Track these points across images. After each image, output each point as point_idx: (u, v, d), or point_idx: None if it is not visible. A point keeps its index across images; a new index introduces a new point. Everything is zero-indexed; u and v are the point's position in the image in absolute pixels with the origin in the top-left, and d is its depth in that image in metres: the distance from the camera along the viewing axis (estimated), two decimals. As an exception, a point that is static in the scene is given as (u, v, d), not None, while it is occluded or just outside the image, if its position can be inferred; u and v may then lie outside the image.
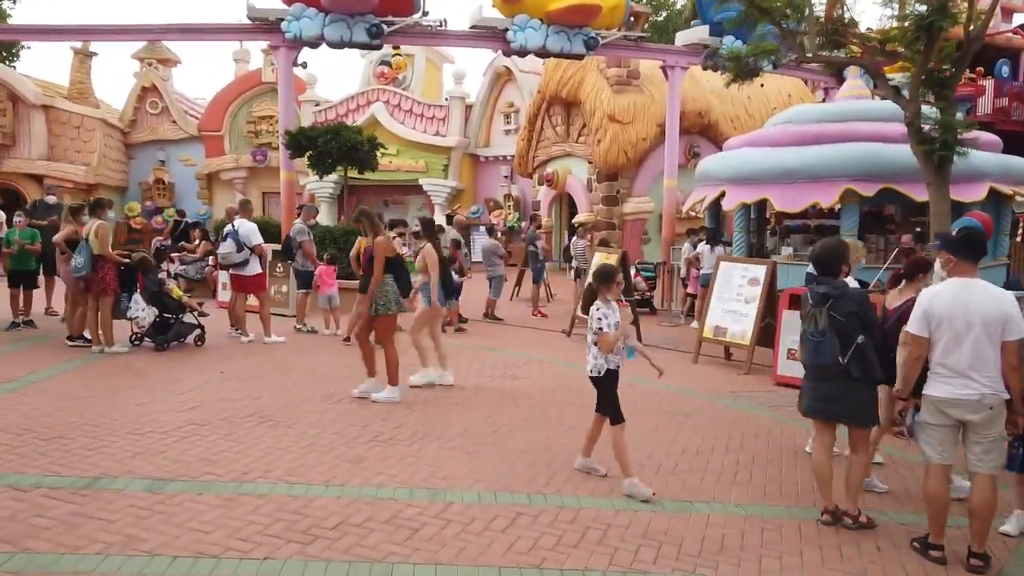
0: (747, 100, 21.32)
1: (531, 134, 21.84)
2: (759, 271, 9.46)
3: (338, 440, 5.68)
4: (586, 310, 5.19)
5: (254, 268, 9.50)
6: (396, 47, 24.89)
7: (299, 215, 11.11)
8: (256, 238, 9.45)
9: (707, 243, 12.59)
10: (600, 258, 11.33)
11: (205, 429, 5.78)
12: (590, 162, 19.85)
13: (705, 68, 16.64)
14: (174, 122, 26.56)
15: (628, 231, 19.53)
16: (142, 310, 8.57)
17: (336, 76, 64.19)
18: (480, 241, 22.03)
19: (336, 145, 12.94)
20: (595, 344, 5.07)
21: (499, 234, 13.28)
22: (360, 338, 7.33)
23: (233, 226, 9.59)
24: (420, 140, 24.30)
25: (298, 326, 10.77)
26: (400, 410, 6.66)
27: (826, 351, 4.37)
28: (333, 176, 25.41)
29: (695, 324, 12.70)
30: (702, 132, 20.19)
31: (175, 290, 8.96)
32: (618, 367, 5.14)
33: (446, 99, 24.76)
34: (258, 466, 5.02)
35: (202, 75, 64.86)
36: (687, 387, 8.18)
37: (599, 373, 5.10)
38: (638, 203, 19.57)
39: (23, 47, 32.16)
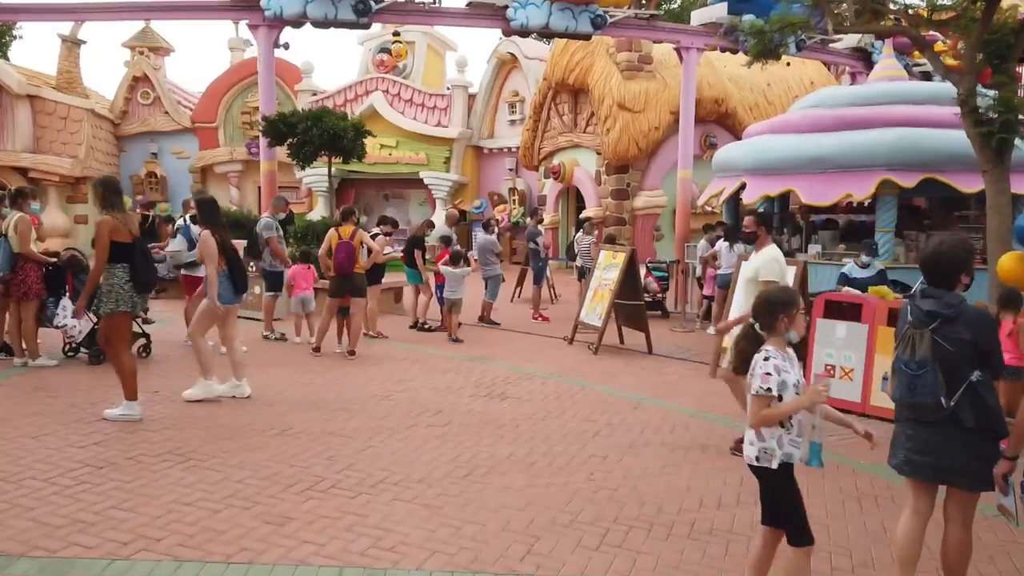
0: (767, 87, 20.03)
1: (537, 124, 20.63)
2: (789, 272, 8.20)
3: (266, 489, 4.51)
4: (744, 365, 3.21)
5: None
6: (396, 34, 23.71)
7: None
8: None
9: (725, 240, 11.35)
10: (606, 257, 10.12)
11: (100, 474, 4.63)
12: (599, 153, 18.61)
13: (723, 50, 15.37)
14: (166, 113, 25.53)
15: (639, 227, 18.29)
16: (71, 317, 7.43)
17: (335, 65, 63.06)
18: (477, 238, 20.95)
19: (318, 132, 11.79)
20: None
21: (495, 230, 12.02)
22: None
23: (185, 220, 8.45)
24: (421, 131, 23.14)
25: (266, 333, 9.63)
26: (354, 445, 5.49)
27: (926, 388, 3.14)
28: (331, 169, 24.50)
29: (712, 330, 11.48)
30: (719, 121, 18.90)
31: (114, 294, 7.82)
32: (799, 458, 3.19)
33: (448, 88, 23.59)
34: (148, 531, 3.86)
35: (197, 65, 63.86)
36: (704, 408, 6.97)
37: (769, 463, 3.13)
38: (650, 197, 18.32)
39: (14, 37, 31.27)
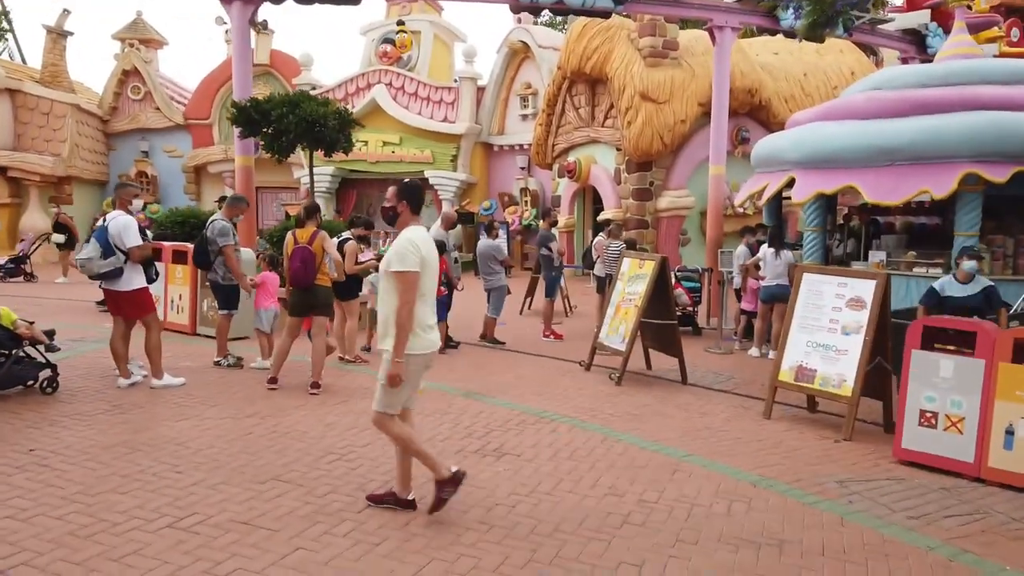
0: (803, 77, 18.28)
1: (550, 118, 18.93)
2: (864, 288, 6.46)
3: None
4: None
5: (132, 281, 6.72)
6: (400, 23, 22.11)
7: (220, 207, 8.28)
8: (132, 238, 6.67)
9: (769, 246, 9.62)
10: (631, 267, 8.39)
11: None
12: (618, 149, 16.89)
13: (760, 31, 13.62)
14: (158, 109, 24.10)
15: (663, 230, 16.55)
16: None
17: (336, 58, 61.64)
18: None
19: (294, 120, 10.14)
20: None
21: (498, 233, 10.31)
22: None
23: (104, 221, 6.81)
24: (426, 127, 21.52)
25: (217, 359, 7.97)
26: (269, 553, 3.81)
27: None
28: (330, 168, 22.96)
29: (754, 351, 9.74)
30: (751, 113, 17.16)
31: (5, 314, 6.19)
32: None
33: (456, 80, 21.96)
34: None
35: (191, 58, 62.57)
36: (763, 470, 5.23)
37: None
38: (675, 197, 16.57)
39: (5, 32, 30.04)
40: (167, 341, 9.23)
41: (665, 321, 8.03)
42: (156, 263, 7.34)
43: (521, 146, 21.40)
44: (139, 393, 6.68)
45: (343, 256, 8.26)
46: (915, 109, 8.96)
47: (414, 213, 4.25)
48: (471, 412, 6.51)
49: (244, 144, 11.57)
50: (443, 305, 9.30)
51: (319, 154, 11.90)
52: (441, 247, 9.22)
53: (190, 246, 9.81)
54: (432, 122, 21.60)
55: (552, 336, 10.57)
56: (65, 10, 22.76)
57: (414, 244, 4.03)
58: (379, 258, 9.99)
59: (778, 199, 11.57)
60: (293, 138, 10.56)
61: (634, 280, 8.24)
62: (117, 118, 24.31)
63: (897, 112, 9.06)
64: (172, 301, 9.91)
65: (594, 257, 11.37)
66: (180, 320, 9.81)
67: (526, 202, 21.29)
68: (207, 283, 8.49)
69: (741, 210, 16.70)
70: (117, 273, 6.67)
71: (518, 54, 21.21)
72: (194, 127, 24.16)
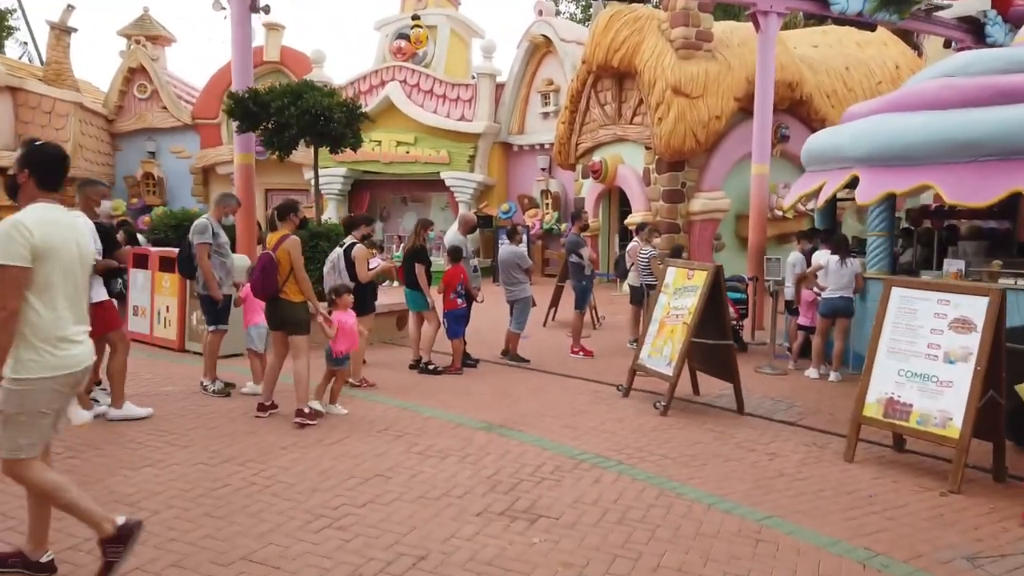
0: (845, 71, 17.08)
1: (574, 116, 17.82)
2: (974, 306, 5.31)
3: None
4: None
5: (94, 293, 5.70)
6: (415, 17, 21.16)
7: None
8: (96, 244, 5.67)
9: (833, 252, 8.50)
10: (677, 277, 7.28)
11: None
12: (648, 148, 15.77)
13: (808, 17, 12.47)
14: (164, 108, 23.24)
15: (696, 235, 15.39)
16: None
17: (349, 55, 60.69)
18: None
19: (296, 112, 9.12)
20: None
21: (523, 239, 9.23)
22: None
23: None
24: (442, 126, 20.49)
25: (204, 382, 6.92)
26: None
27: None
28: (342, 169, 21.98)
29: (812, 372, 8.59)
30: (791, 110, 15.98)
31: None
32: None
33: (473, 77, 20.92)
34: None
35: (200, 56, 61.49)
36: (867, 540, 4.10)
37: None
38: (710, 199, 15.41)
39: (11, 30, 29.40)
40: (151, 359, 8.25)
41: (719, 341, 6.90)
42: (122, 276, 6.34)
43: (542, 145, 20.32)
44: (99, 429, 5.64)
45: (353, 264, 7.23)
46: (1000, 97, 7.80)
47: (43, 187, 3.14)
48: (495, 453, 5.42)
49: (243, 140, 10.58)
50: (461, 319, 8.25)
51: (331, 156, 10.92)
52: (457, 254, 8.20)
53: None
54: (448, 121, 20.57)
55: (582, 353, 9.47)
56: (69, 5, 21.97)
57: (21, 228, 2.96)
58: (397, 265, 8.97)
59: (832, 201, 10.46)
60: (296, 133, 9.54)
61: (681, 293, 7.13)
62: (123, 118, 23.49)
63: (978, 101, 7.91)
64: (159, 313, 8.90)
65: (627, 264, 10.26)
66: (167, 335, 8.81)
67: (547, 205, 20.20)
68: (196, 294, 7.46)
69: (779, 213, 15.56)
70: None
71: (539, 49, 20.15)
72: (202, 127, 23.30)
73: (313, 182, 12.18)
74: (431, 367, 8.15)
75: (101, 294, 5.76)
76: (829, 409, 7.16)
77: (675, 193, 15.39)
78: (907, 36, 20.79)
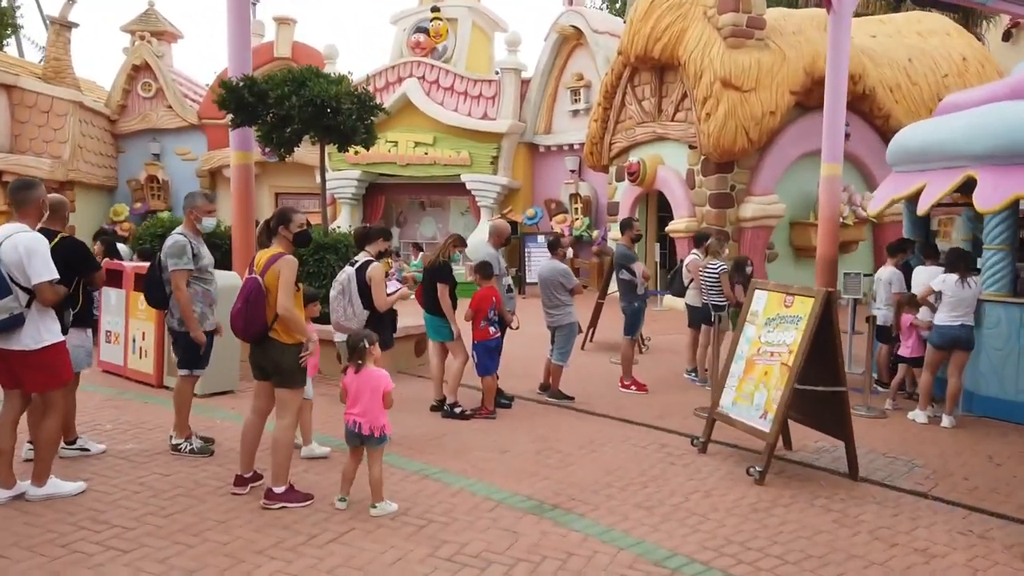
0: (908, 63, 15.47)
1: (608, 113, 16.33)
2: None
3: None
4: None
5: (40, 334, 4.30)
6: (435, 9, 19.77)
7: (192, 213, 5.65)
8: (40, 267, 4.26)
9: (949, 269, 6.99)
10: (769, 304, 5.76)
11: None
12: (692, 147, 14.25)
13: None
14: (170, 107, 21.95)
15: (747, 243, 13.84)
16: None
17: (365, 51, 59.21)
18: (539, 260, 16.30)
19: (298, 103, 7.69)
20: None
21: (566, 252, 7.73)
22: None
23: None
24: (463, 125, 19.06)
25: (176, 442, 5.42)
26: None
27: None
28: (355, 172, 20.61)
29: (919, 415, 7.04)
30: (852, 104, 14.31)
31: None
32: None
33: (497, 72, 19.48)
34: None
35: (207, 52, 59.98)
36: None
37: None
38: (763, 204, 13.86)
39: (17, 28, 28.35)
40: (120, 399, 6.85)
41: (831, 388, 5.37)
42: (76, 304, 4.93)
43: (571, 146, 18.83)
44: (15, 516, 4.20)
45: (370, 285, 5.80)
46: None
47: None
48: (552, 555, 3.93)
49: (240, 136, 9.21)
50: (494, 351, 6.78)
51: (343, 155, 9.50)
52: (488, 270, 6.72)
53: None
54: (470, 119, 19.14)
55: (634, 387, 7.98)
56: (70, -1, 20.77)
57: None
58: (415, 280, 7.51)
59: (912, 206, 8.94)
60: (299, 127, 8.12)
61: (777, 324, 5.61)
62: (126, 117, 22.24)
63: None
64: (133, 341, 7.49)
65: (685, 281, 8.75)
66: (143, 367, 7.38)
67: (576, 210, 18.69)
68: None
69: (840, 219, 13.98)
70: (14, 323, 4.23)
71: (569, 41, 18.66)
72: (209, 127, 21.97)
73: (321, 184, 10.75)
74: (457, 409, 6.68)
75: (54, 333, 4.37)
76: (961, 471, 5.65)
77: (723, 197, 13.85)
78: (969, 26, 19.15)
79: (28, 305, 4.30)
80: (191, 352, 5.38)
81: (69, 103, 19.82)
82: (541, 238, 16.91)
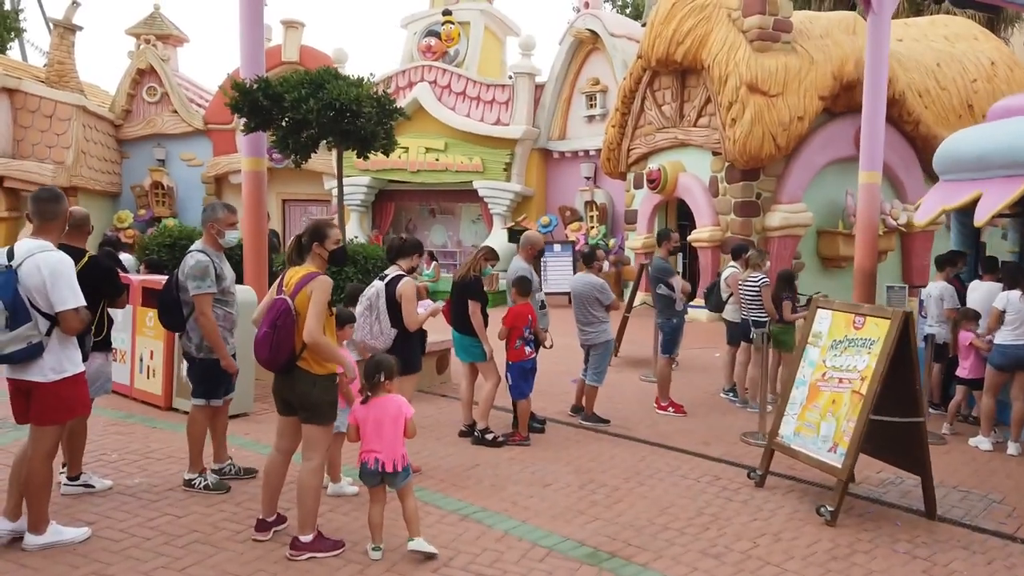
0: (936, 68, 15.05)
1: (626, 118, 15.89)
2: None
3: None
4: None
5: (61, 364, 3.84)
6: (447, 12, 19.37)
7: (215, 221, 5.12)
8: (65, 292, 3.80)
9: (1011, 286, 6.53)
10: (835, 325, 5.29)
11: None
12: (716, 154, 13.81)
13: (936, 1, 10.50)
14: (175, 112, 21.53)
15: (774, 253, 13.31)
16: None
17: (374, 55, 58.81)
18: (554, 270, 15.86)
19: (316, 106, 7.24)
20: None
21: (602, 265, 7.24)
22: None
23: (9, 257, 3.91)
24: (475, 130, 18.63)
25: (190, 476, 4.89)
26: None
27: None
28: (365, 178, 20.14)
29: (983, 442, 6.55)
30: (880, 110, 13.92)
31: None
32: None
33: (510, 76, 19.04)
34: None
35: (214, 56, 59.53)
36: None
37: None
38: (790, 212, 13.41)
39: (20, 31, 28.00)
40: (126, 423, 6.39)
41: (909, 419, 4.89)
42: (94, 332, 4.50)
43: (586, 152, 18.38)
44: (12, 571, 3.73)
45: (399, 302, 5.35)
46: None
47: None
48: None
49: (252, 141, 8.71)
50: (529, 373, 6.32)
51: (357, 161, 9.05)
52: (525, 286, 6.26)
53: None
54: (482, 125, 18.70)
55: (671, 408, 7.50)
56: (74, 2, 20.40)
57: None
58: (426, 289, 7.07)
59: (963, 217, 8.51)
60: (316, 132, 7.66)
61: (845, 347, 5.13)
62: (130, 122, 21.81)
63: None
64: (140, 360, 7.02)
65: (723, 295, 8.28)
66: (151, 388, 6.91)
67: (592, 217, 18.23)
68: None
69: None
70: (32, 353, 3.77)
71: (584, 45, 18.22)
72: (215, 132, 21.58)
73: (336, 192, 10.27)
74: (489, 435, 6.20)
75: (74, 363, 3.93)
76: (1049, 507, 5.16)
77: (749, 205, 13.39)
78: (994, 29, 18.71)
79: (49, 332, 3.84)
80: (209, 380, 4.89)
81: (72, 107, 19.41)
82: (558, 247, 16.44)
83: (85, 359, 4.17)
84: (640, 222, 15.71)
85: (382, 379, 3.95)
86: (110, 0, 56.07)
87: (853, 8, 16.60)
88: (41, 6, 30.98)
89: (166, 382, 6.75)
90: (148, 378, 6.92)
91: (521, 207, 18.95)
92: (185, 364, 5.13)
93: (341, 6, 63.25)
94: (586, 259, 7.12)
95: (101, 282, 4.60)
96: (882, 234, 13.81)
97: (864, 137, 10.03)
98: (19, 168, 18.53)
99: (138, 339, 7.04)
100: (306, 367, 3.88)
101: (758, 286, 7.69)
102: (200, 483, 4.85)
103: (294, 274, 3.98)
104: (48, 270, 3.79)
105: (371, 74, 8.70)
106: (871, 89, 9.99)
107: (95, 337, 4.54)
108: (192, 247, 4.97)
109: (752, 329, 7.58)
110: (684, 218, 15.50)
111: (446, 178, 18.99)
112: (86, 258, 4.56)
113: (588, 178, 18.30)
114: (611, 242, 17.34)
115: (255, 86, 7.65)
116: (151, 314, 6.89)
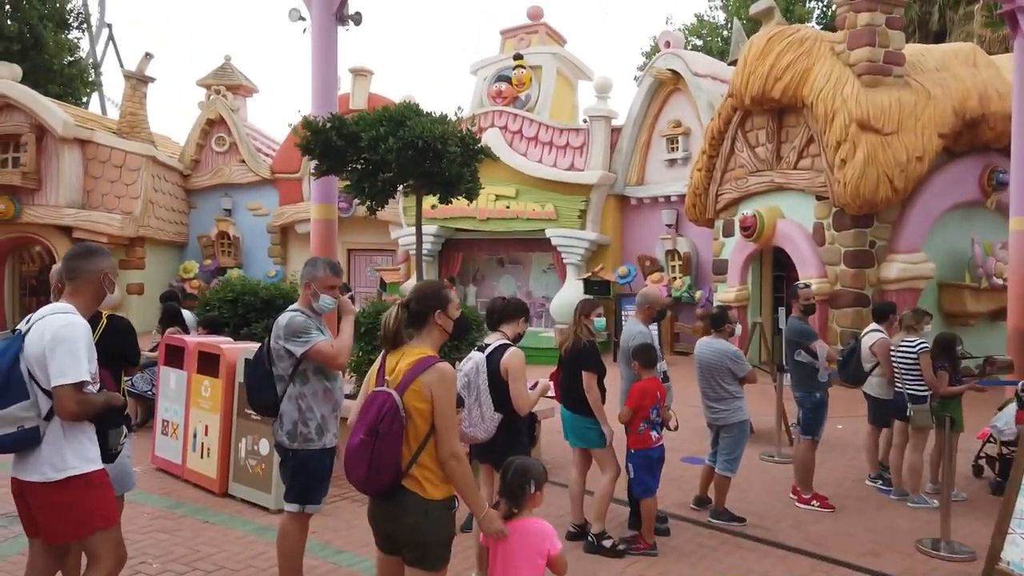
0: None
1: (713, 161, 14.76)
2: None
3: None
4: None
5: (65, 459, 2.91)
6: (518, 56, 18.70)
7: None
8: (67, 362, 2.87)
9: None
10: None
11: None
12: (820, 198, 12.52)
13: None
14: (242, 162, 21.32)
15: (890, 309, 11.91)
16: None
17: (444, 103, 59.08)
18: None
19: (395, 145, 6.34)
20: None
21: (733, 329, 6.02)
22: None
23: (28, 321, 3.00)
24: (548, 176, 17.71)
25: None
26: None
27: None
28: (432, 227, 19.34)
29: None
30: (1007, 150, 12.49)
31: None
32: None
33: (584, 120, 18.17)
34: None
35: (283, 108, 60.78)
36: None
37: None
38: (909, 263, 11.97)
39: (96, 86, 28.59)
40: (175, 514, 5.42)
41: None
42: (119, 423, 3.49)
43: (667, 198, 17.26)
44: None
45: (505, 379, 4.30)
46: None
47: None
48: None
49: (323, 186, 7.95)
50: (655, 464, 5.14)
51: (409, 195, 8.04)
52: (650, 356, 5.13)
53: (234, 345, 6.06)
54: (555, 171, 17.79)
55: (816, 502, 6.19)
56: (147, 54, 20.53)
57: None
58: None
59: None
60: (395, 175, 6.76)
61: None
62: (199, 172, 21.71)
63: None
64: (194, 435, 6.08)
65: (867, 365, 6.98)
66: (204, 470, 5.95)
67: (674, 268, 17.02)
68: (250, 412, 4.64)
69: (998, 282, 11.99)
70: (24, 440, 2.85)
71: (665, 86, 17.24)
72: (282, 182, 21.27)
73: (403, 242, 9.32)
74: (607, 542, 5.02)
75: (84, 459, 2.98)
76: None
77: (862, 255, 12.01)
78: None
79: (49, 417, 2.90)
80: (306, 476, 3.86)
81: (142, 158, 19.32)
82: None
83: (110, 460, 3.19)
84: (731, 273, 14.43)
85: (531, 491, 2.87)
86: (183, 53, 57.97)
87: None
88: (120, 59, 31.80)
89: (222, 463, 5.78)
90: (202, 457, 5.98)
91: (597, 256, 17.85)
92: (254, 434, 4.13)
93: (410, 55, 64.26)
94: (715, 321, 5.94)
95: (126, 348, 3.70)
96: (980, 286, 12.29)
97: (1013, 178, 8.71)
98: (87, 218, 18.38)
99: (192, 411, 6.12)
100: (414, 487, 2.80)
101: (916, 352, 6.39)
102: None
103: (401, 359, 2.92)
104: (50, 334, 2.89)
105: (459, 108, 7.80)
106: (1020, 123, 8.69)
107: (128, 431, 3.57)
108: (287, 310, 4.02)
109: (909, 406, 6.29)
110: (779, 268, 14.18)
111: (517, 226, 18.07)
112: (104, 319, 3.64)
113: (670, 225, 17.14)
114: (697, 294, 16.08)
115: (328, 124, 6.81)
116: (207, 383, 5.99)
